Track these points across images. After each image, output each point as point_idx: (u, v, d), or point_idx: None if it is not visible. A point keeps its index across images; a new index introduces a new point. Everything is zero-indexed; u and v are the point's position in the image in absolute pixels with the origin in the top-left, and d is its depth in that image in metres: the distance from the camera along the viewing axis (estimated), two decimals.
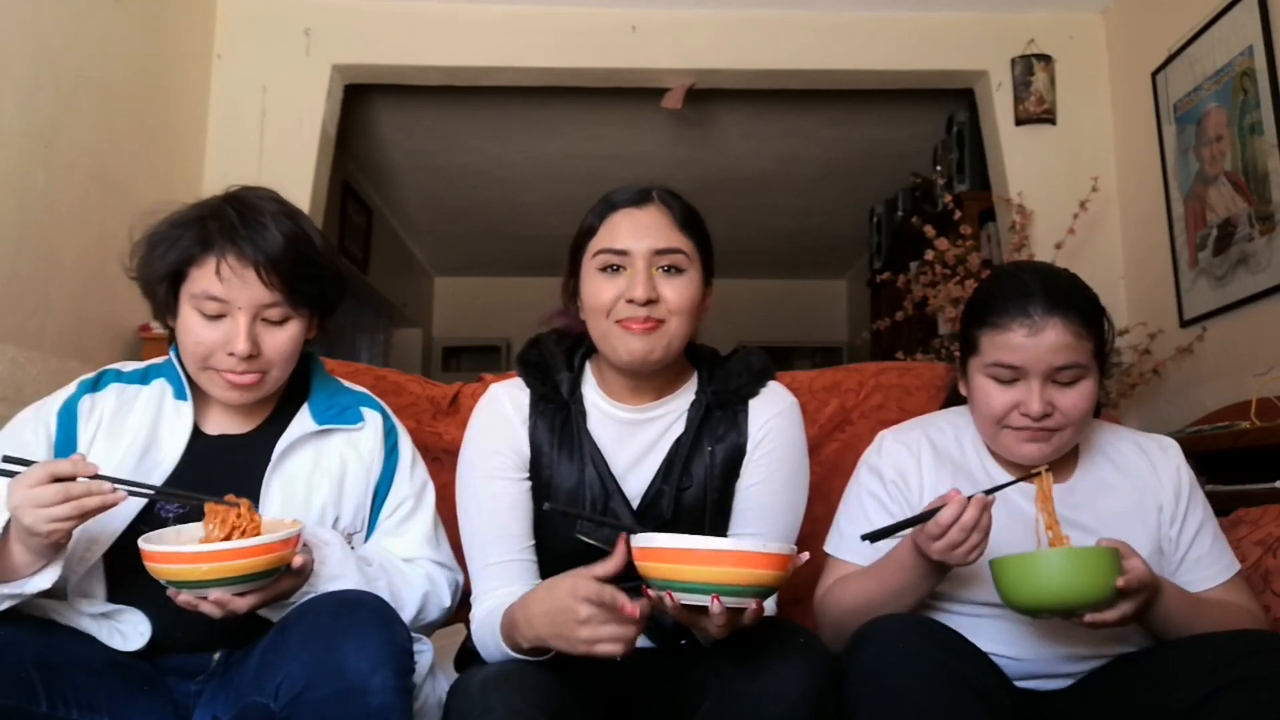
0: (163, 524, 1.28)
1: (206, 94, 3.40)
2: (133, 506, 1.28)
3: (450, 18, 3.53)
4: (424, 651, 1.29)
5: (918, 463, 1.44)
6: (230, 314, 1.30)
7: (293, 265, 1.31)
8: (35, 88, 2.41)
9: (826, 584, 1.44)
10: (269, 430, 1.39)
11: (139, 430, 1.34)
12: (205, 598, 1.15)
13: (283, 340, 1.34)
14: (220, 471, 1.34)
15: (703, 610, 1.08)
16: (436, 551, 1.43)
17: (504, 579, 1.34)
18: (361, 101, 4.12)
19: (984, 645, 1.31)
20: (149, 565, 1.14)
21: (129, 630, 1.27)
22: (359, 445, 1.42)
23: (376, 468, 1.43)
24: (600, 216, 1.38)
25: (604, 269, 1.34)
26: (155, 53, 3.05)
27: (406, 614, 1.32)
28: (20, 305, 2.38)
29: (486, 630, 1.30)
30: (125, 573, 1.28)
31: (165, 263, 1.31)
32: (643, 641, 1.37)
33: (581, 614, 1.11)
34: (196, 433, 1.37)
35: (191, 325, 1.31)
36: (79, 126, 2.60)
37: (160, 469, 1.32)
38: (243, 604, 1.16)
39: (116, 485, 1.16)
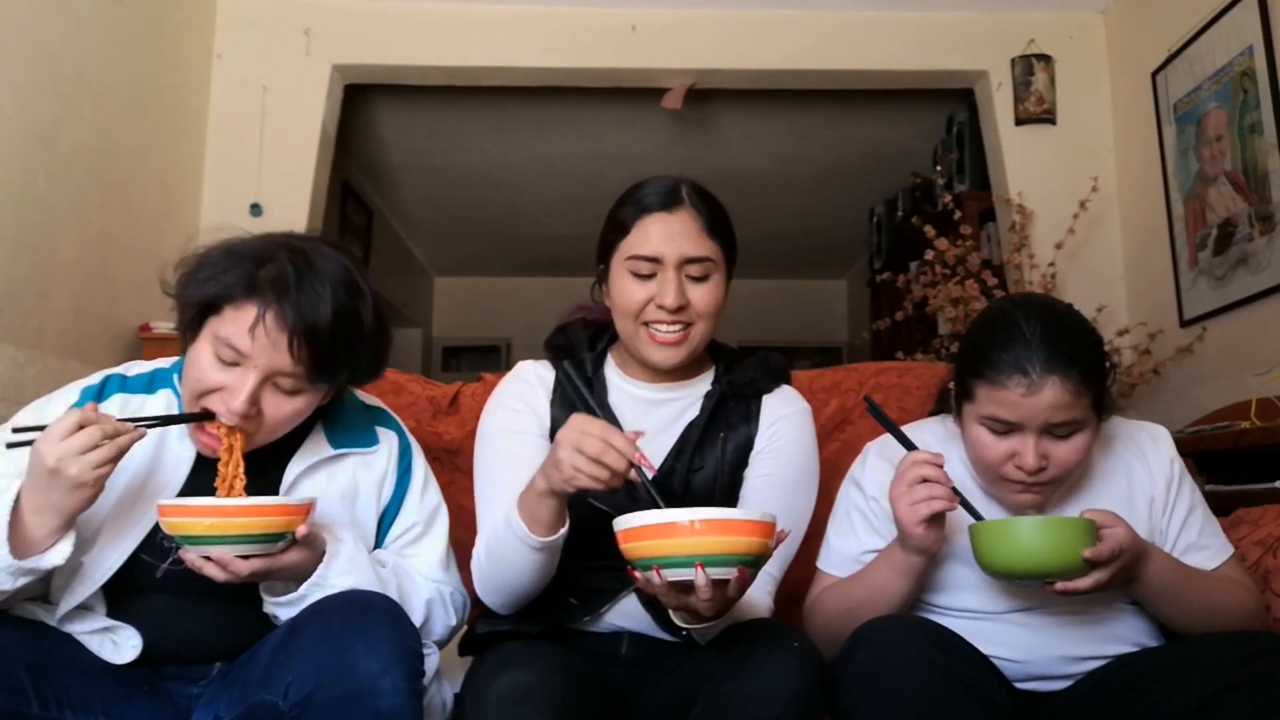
0: (165, 554, 1.26)
1: (206, 94, 3.40)
2: (132, 539, 1.27)
3: (450, 18, 3.53)
4: (431, 654, 1.29)
5: None
6: (243, 365, 1.22)
7: (330, 342, 1.22)
8: (35, 88, 2.41)
9: (813, 596, 1.45)
10: (278, 451, 1.33)
11: (144, 450, 1.29)
12: (208, 557, 1.15)
13: (286, 410, 1.26)
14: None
15: (689, 587, 1.08)
16: (446, 576, 1.41)
17: None
18: (361, 101, 4.12)
19: (984, 648, 1.31)
20: (161, 520, 1.16)
21: (122, 642, 1.26)
22: (372, 465, 1.40)
23: (388, 489, 1.40)
24: (632, 218, 1.41)
25: (636, 273, 1.39)
26: (155, 53, 3.05)
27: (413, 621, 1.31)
28: (20, 305, 2.38)
29: (497, 532, 1.31)
30: (122, 596, 1.27)
31: (204, 291, 1.23)
32: (650, 629, 1.39)
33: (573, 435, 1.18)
34: (202, 456, 1.31)
35: (202, 360, 1.24)
36: (79, 127, 2.60)
37: (165, 492, 1.29)
38: (244, 567, 1.16)
39: (137, 423, 1.17)
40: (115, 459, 1.13)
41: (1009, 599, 1.36)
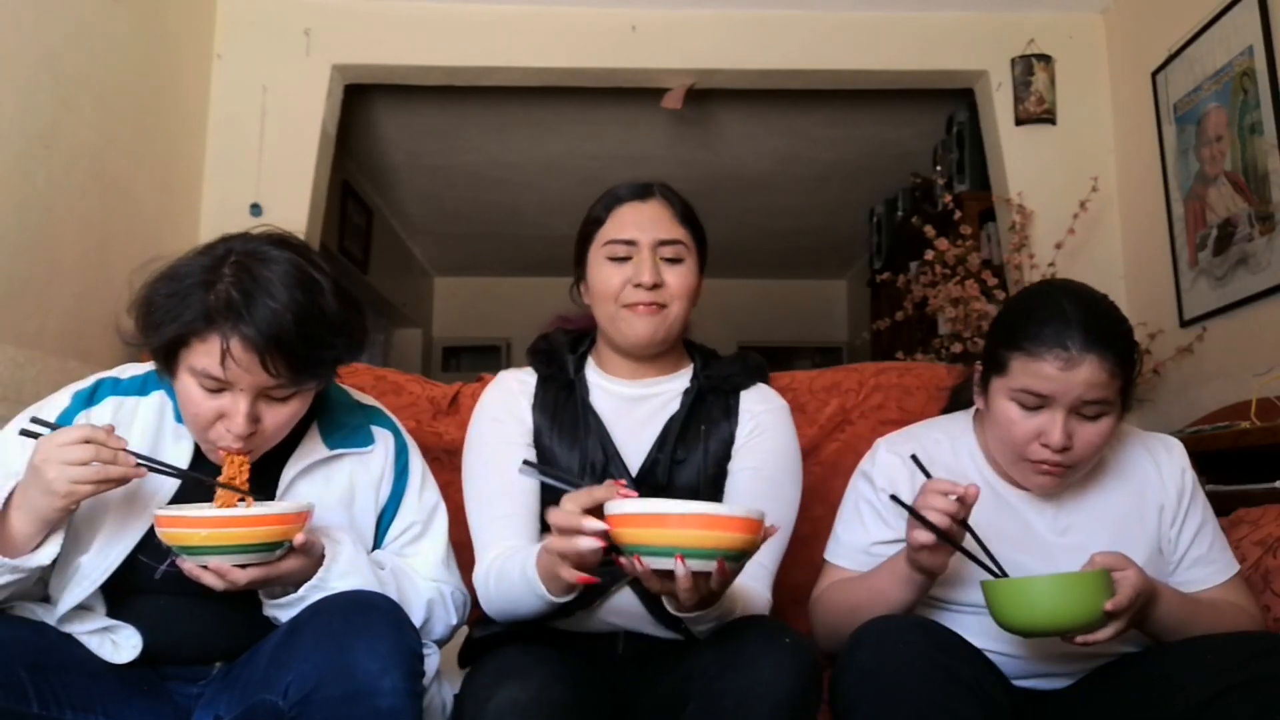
0: (163, 555, 1.26)
1: (206, 94, 3.40)
2: (128, 540, 1.26)
3: (450, 18, 3.52)
4: (431, 654, 1.29)
5: (910, 474, 1.43)
6: (231, 390, 1.21)
7: (302, 346, 1.19)
8: (35, 88, 2.41)
9: (821, 588, 1.45)
10: (274, 453, 1.32)
11: (140, 450, 1.28)
12: (206, 566, 1.16)
13: (284, 416, 1.26)
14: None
15: (672, 575, 1.08)
16: (447, 575, 1.41)
17: (511, 533, 1.38)
18: (361, 101, 4.12)
19: (982, 643, 1.31)
20: (158, 530, 1.17)
21: (122, 641, 1.26)
22: (369, 465, 1.40)
23: (386, 489, 1.41)
24: (607, 209, 1.49)
25: (612, 258, 1.46)
26: (155, 53, 3.05)
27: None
28: (20, 305, 2.38)
29: (509, 571, 1.30)
30: (122, 596, 1.28)
31: (164, 336, 1.21)
32: (647, 627, 1.39)
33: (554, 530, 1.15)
34: (198, 455, 1.32)
35: (191, 394, 1.22)
36: (79, 126, 2.60)
37: (159, 495, 1.29)
38: (242, 576, 1.16)
39: (140, 462, 1.16)
40: (99, 483, 1.13)
41: None
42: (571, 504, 1.14)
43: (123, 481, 1.15)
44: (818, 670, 1.19)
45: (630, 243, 1.45)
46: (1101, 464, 1.42)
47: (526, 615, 1.32)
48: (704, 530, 1.05)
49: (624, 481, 1.23)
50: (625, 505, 1.09)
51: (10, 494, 1.16)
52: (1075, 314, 1.29)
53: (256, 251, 1.23)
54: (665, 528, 1.06)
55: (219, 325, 1.17)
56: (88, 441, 1.12)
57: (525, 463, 1.26)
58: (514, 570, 1.29)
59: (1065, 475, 1.33)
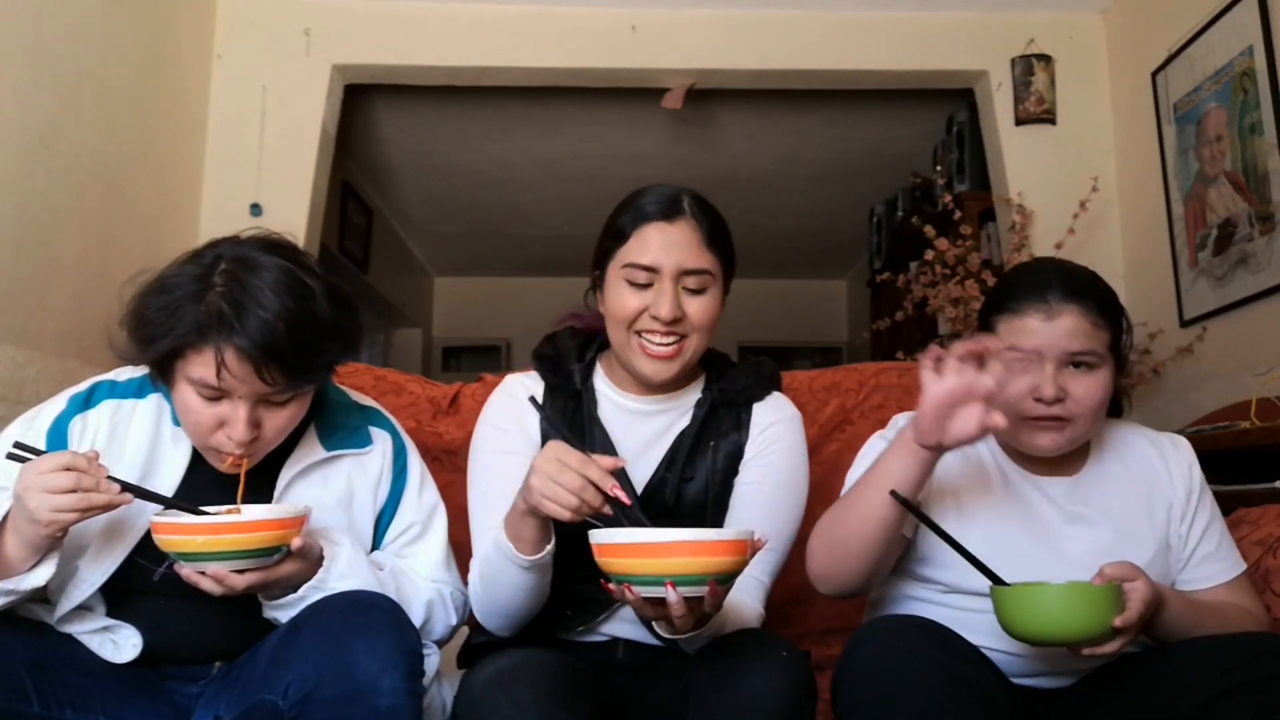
0: (161, 558, 1.25)
1: (206, 94, 3.40)
2: (126, 544, 1.26)
3: (450, 18, 3.53)
4: (431, 654, 1.29)
5: None
6: (229, 398, 1.21)
7: (296, 353, 1.18)
8: (35, 88, 2.41)
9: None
10: (271, 455, 1.31)
11: (135, 456, 1.28)
12: (204, 572, 1.15)
13: (283, 419, 1.25)
14: (222, 500, 1.28)
15: (663, 602, 1.08)
16: (447, 575, 1.41)
17: None
18: (361, 101, 4.12)
19: (983, 641, 1.31)
20: (155, 537, 1.16)
21: (122, 641, 1.26)
22: (367, 467, 1.39)
23: (384, 490, 1.40)
24: (631, 225, 1.39)
25: (631, 282, 1.36)
26: (155, 53, 3.05)
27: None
28: (20, 305, 2.38)
29: (487, 557, 1.30)
30: (121, 597, 1.27)
31: (159, 350, 1.20)
32: (649, 637, 1.38)
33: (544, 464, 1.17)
34: (196, 457, 1.31)
35: (190, 403, 1.22)
36: (79, 126, 2.60)
37: None
38: (240, 581, 1.16)
39: (125, 488, 1.15)
40: (80, 511, 1.11)
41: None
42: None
43: (108, 509, 1.14)
44: (811, 683, 1.19)
45: (652, 269, 1.35)
46: (1109, 457, 1.43)
47: (512, 597, 1.30)
48: (693, 557, 1.05)
49: (624, 461, 1.22)
50: (612, 535, 1.08)
51: (6, 515, 1.16)
52: (1054, 273, 1.37)
53: (246, 258, 1.22)
54: (654, 557, 1.05)
55: (212, 338, 1.16)
56: (69, 469, 1.11)
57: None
58: (489, 550, 1.29)
59: (1067, 430, 1.33)
